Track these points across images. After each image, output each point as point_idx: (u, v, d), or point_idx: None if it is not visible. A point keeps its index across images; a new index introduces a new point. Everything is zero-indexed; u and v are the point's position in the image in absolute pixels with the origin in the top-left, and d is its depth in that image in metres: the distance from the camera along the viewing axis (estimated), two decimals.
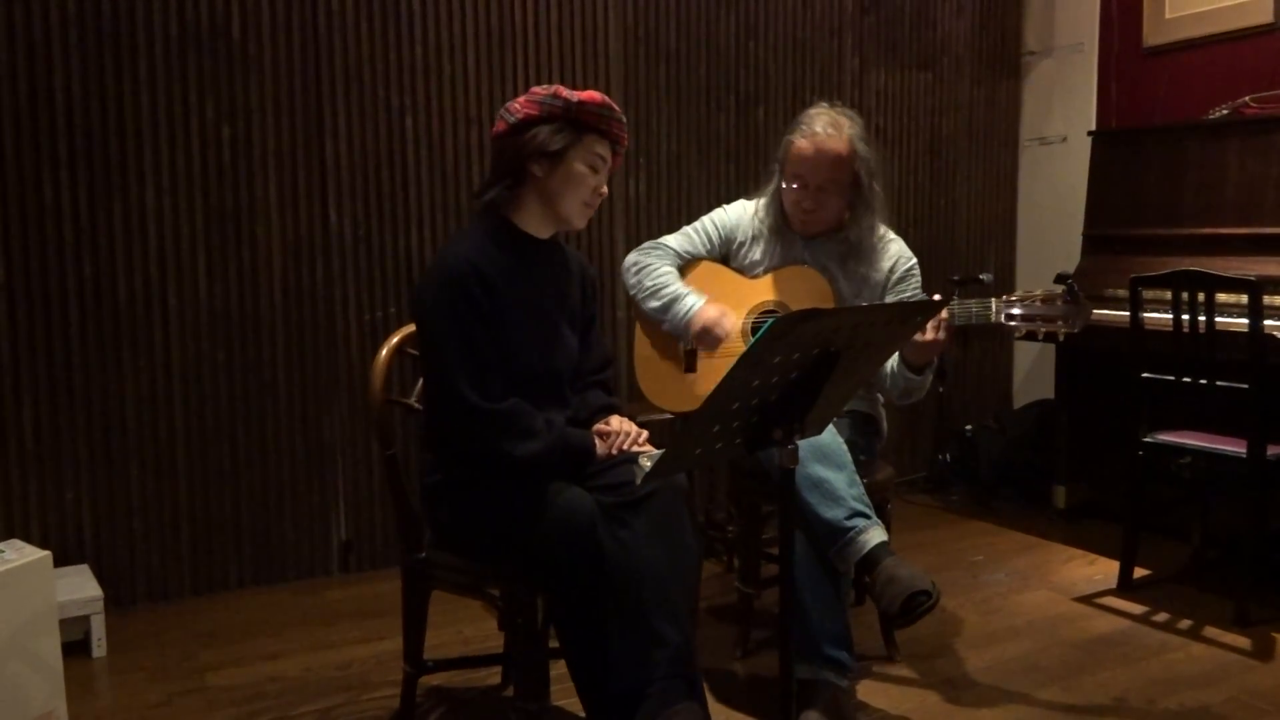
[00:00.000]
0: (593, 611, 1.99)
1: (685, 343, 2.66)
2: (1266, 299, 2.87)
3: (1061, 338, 2.24)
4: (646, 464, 2.03)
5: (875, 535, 2.26)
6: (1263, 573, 3.01)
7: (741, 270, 2.72)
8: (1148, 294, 3.04)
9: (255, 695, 2.56)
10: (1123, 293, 3.15)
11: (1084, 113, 4.24)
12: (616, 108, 2.11)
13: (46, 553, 2.31)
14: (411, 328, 2.26)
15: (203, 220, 3.15)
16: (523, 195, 2.11)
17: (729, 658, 2.69)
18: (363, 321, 3.37)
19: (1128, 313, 3.04)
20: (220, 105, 3.14)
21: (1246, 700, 2.45)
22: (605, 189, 2.15)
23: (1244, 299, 2.88)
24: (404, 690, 2.30)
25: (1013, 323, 2.26)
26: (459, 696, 2.54)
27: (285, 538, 3.33)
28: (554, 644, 2.08)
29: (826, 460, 2.30)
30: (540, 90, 2.07)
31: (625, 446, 2.14)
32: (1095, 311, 2.35)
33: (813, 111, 2.59)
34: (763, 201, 2.71)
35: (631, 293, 2.69)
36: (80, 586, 2.85)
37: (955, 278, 4.25)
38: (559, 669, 2.10)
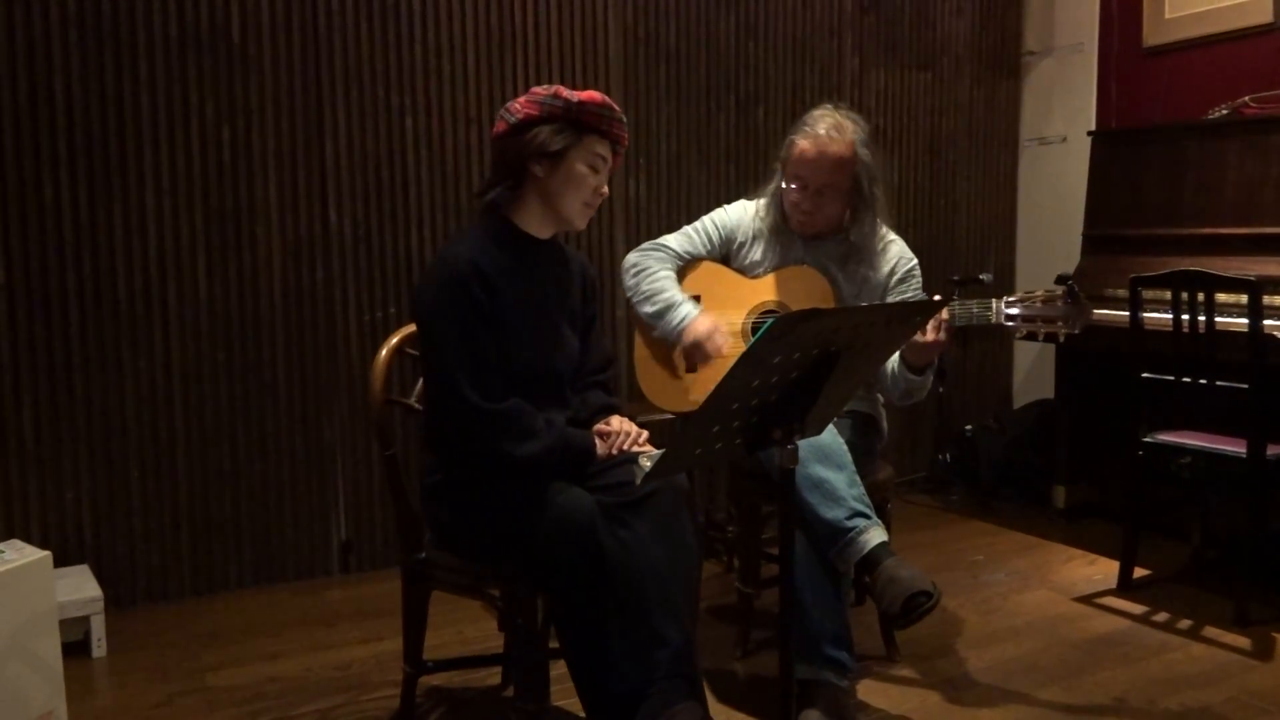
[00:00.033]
0: (593, 611, 1.99)
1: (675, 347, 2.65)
2: (1266, 299, 2.87)
3: (1062, 338, 2.24)
4: (646, 464, 2.03)
5: (876, 535, 2.26)
6: (1262, 573, 3.01)
7: (742, 270, 2.72)
8: (1147, 294, 3.04)
9: (255, 695, 2.56)
10: (1122, 293, 3.15)
11: (1084, 113, 4.24)
12: (617, 108, 2.11)
13: (46, 553, 2.31)
14: (411, 328, 2.26)
15: (203, 220, 3.15)
16: (524, 195, 2.11)
17: (729, 658, 2.69)
18: (363, 322, 3.37)
19: (1127, 313, 3.04)
20: (220, 105, 3.14)
21: (1246, 700, 2.45)
22: (606, 189, 2.15)
23: (1244, 299, 2.88)
24: (404, 690, 2.30)
25: (1013, 323, 2.26)
26: (459, 697, 2.54)
27: (285, 538, 3.34)
28: (554, 644, 2.08)
29: (827, 460, 2.30)
30: (540, 90, 2.07)
31: (625, 447, 2.14)
32: (1095, 311, 2.35)
33: (818, 113, 2.58)
34: (763, 201, 2.71)
35: (628, 294, 2.69)
36: (80, 587, 2.85)
37: (955, 278, 4.26)
38: (559, 669, 2.10)
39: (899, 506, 3.97)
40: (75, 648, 2.73)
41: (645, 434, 2.20)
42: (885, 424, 2.73)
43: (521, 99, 2.08)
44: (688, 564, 2.06)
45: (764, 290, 2.66)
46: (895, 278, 2.63)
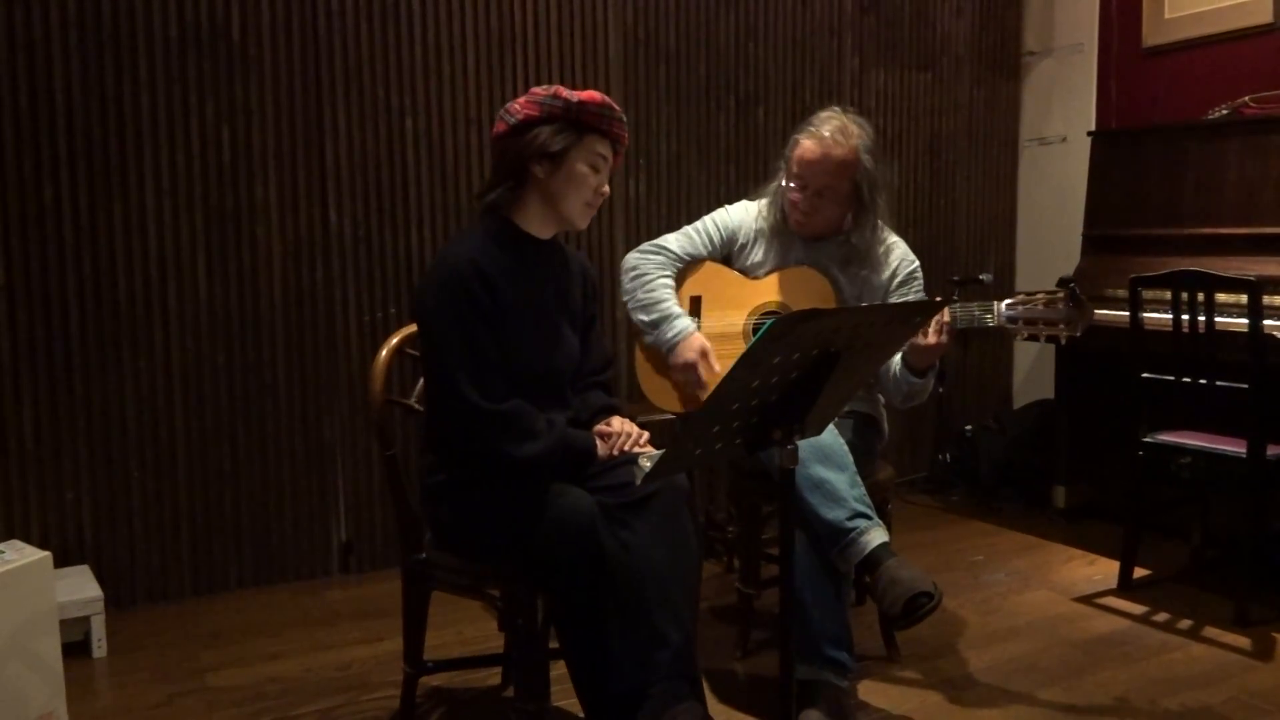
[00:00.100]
0: (593, 612, 1.99)
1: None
2: (1266, 299, 2.87)
3: (1063, 341, 2.24)
4: (646, 464, 2.03)
5: (877, 536, 2.26)
6: (1263, 573, 3.01)
7: (744, 271, 2.72)
8: (1147, 294, 3.04)
9: (255, 696, 2.56)
10: (1122, 293, 3.15)
11: (1083, 113, 4.24)
12: (617, 107, 2.11)
13: (46, 553, 2.31)
14: (411, 328, 2.26)
15: (203, 221, 3.15)
16: (524, 196, 2.11)
17: (729, 658, 2.69)
18: (363, 322, 3.37)
19: (1127, 313, 3.04)
20: (220, 106, 3.14)
21: (1247, 700, 2.45)
22: (607, 188, 2.15)
23: (1244, 299, 2.88)
24: (404, 691, 2.30)
25: (1014, 326, 2.26)
26: (459, 697, 2.54)
27: (285, 538, 3.34)
28: (554, 644, 2.08)
29: (828, 461, 2.30)
30: (540, 91, 2.07)
31: (626, 448, 2.14)
32: (1095, 312, 2.34)
33: (825, 114, 2.58)
34: (765, 201, 2.71)
35: (624, 298, 2.68)
36: (80, 587, 2.85)
37: (955, 278, 4.26)
38: (559, 669, 2.10)
39: (899, 507, 3.97)
40: (75, 648, 2.73)
41: (646, 435, 2.20)
42: (886, 424, 2.73)
43: (521, 99, 2.08)
44: (688, 564, 2.06)
45: (765, 291, 2.66)
46: (897, 280, 2.62)
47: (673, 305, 2.62)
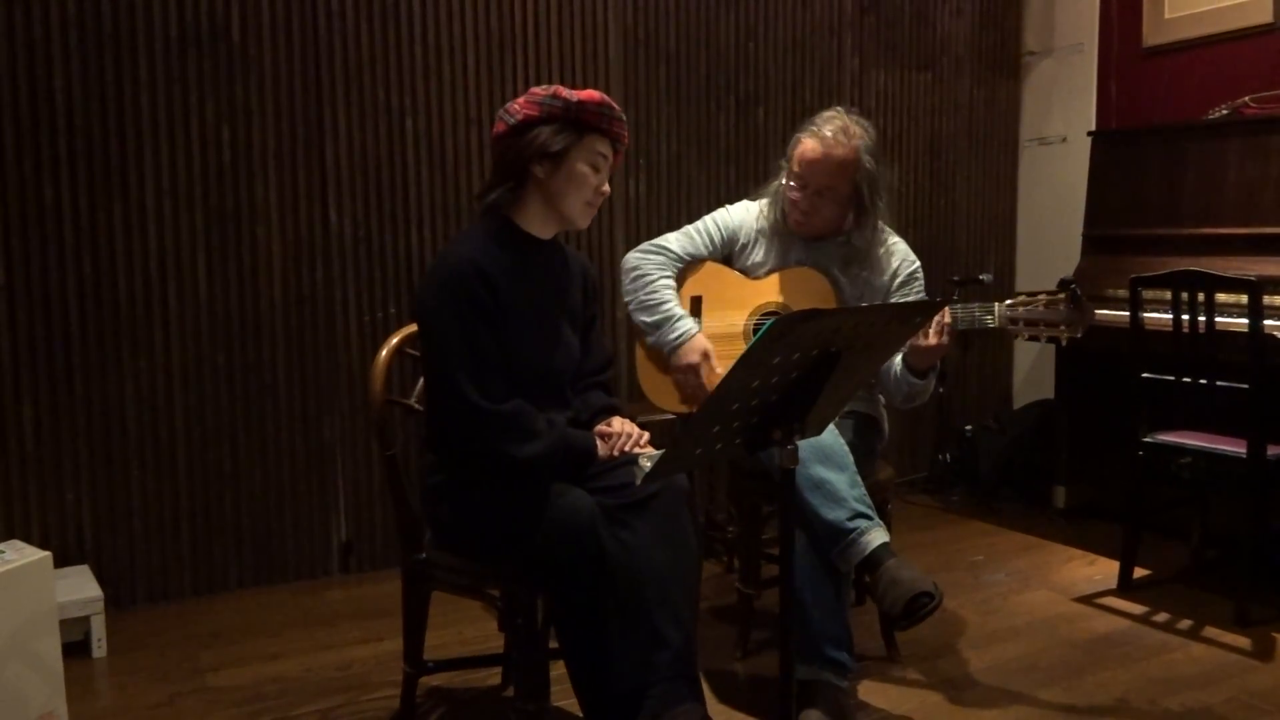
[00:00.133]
0: (593, 612, 1.99)
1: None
2: (1266, 299, 2.87)
3: (1064, 342, 2.24)
4: (647, 464, 2.03)
5: (877, 536, 2.26)
6: (1263, 573, 3.01)
7: (745, 271, 2.71)
8: (1148, 294, 3.04)
9: (255, 696, 2.56)
10: (1122, 293, 3.15)
11: (1083, 113, 4.24)
12: (616, 106, 2.11)
13: (47, 553, 2.31)
14: (412, 328, 2.26)
15: (203, 221, 3.15)
16: (525, 196, 2.11)
17: (729, 658, 2.69)
18: (363, 322, 3.37)
19: (1128, 313, 3.04)
20: (220, 106, 3.14)
21: (1247, 700, 2.45)
22: (607, 187, 2.14)
23: (1244, 299, 2.88)
24: (404, 691, 2.30)
25: (1015, 326, 2.26)
26: (459, 697, 2.54)
27: (285, 538, 3.34)
28: (554, 644, 2.08)
29: (828, 461, 2.30)
30: (539, 91, 2.07)
31: (627, 448, 2.14)
32: (1096, 312, 2.34)
33: (827, 114, 2.57)
34: (766, 201, 2.71)
35: (626, 298, 2.68)
36: (80, 587, 2.85)
37: (955, 278, 4.26)
38: (559, 669, 2.10)
39: (899, 507, 3.97)
40: (75, 648, 2.74)
41: (646, 435, 2.20)
42: (886, 425, 2.73)
43: (520, 100, 2.08)
44: (688, 565, 2.06)
45: (766, 291, 2.66)
46: (898, 280, 2.62)
47: (675, 306, 2.61)
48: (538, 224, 2.14)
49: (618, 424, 2.19)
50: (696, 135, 3.82)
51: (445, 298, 2.00)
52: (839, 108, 2.62)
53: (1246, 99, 3.59)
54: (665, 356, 2.61)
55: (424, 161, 3.40)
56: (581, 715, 2.06)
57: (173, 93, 3.08)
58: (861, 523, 2.26)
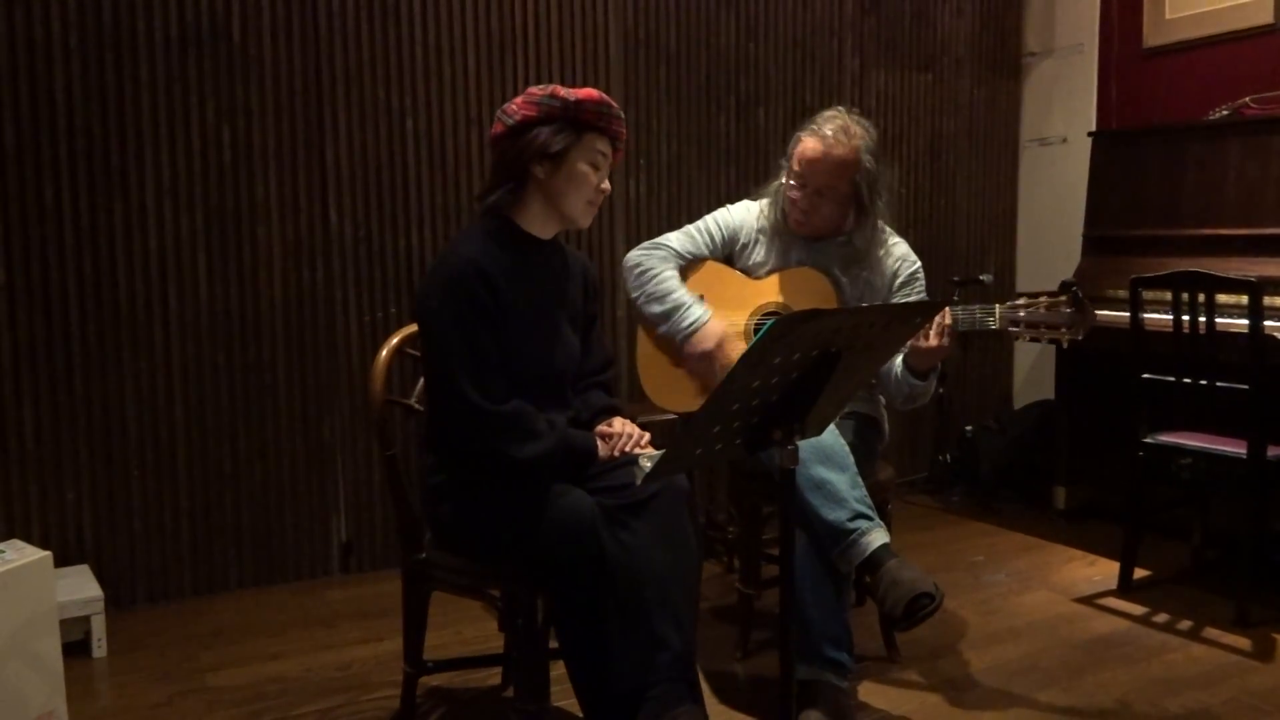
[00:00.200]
0: (593, 613, 1.99)
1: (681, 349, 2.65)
2: (1266, 300, 2.87)
3: (1065, 344, 2.24)
4: (647, 465, 2.03)
5: (878, 537, 2.26)
6: (1263, 573, 3.01)
7: (745, 271, 2.71)
8: (1148, 295, 3.04)
9: (256, 696, 2.56)
10: (1123, 293, 3.15)
11: (1084, 113, 4.24)
12: (615, 104, 2.10)
13: (47, 553, 2.31)
14: (412, 328, 2.26)
15: (203, 221, 3.15)
16: (525, 197, 2.11)
17: (729, 659, 2.69)
18: (363, 322, 3.37)
19: (1128, 313, 3.04)
20: (221, 106, 3.14)
21: (1247, 701, 2.45)
22: (608, 185, 2.14)
23: (1244, 300, 2.88)
24: (404, 691, 2.30)
25: (1016, 328, 2.26)
26: (459, 697, 2.54)
27: (286, 538, 3.34)
28: (554, 644, 2.08)
29: (829, 461, 2.30)
30: (537, 91, 2.06)
31: (627, 448, 2.14)
32: (1096, 313, 2.34)
33: (828, 113, 2.57)
34: (767, 201, 2.71)
35: (632, 294, 2.68)
36: (80, 587, 2.85)
37: (955, 278, 4.26)
38: (559, 669, 2.10)
39: (899, 507, 3.97)
40: (75, 648, 2.73)
41: (647, 436, 2.20)
42: (887, 425, 2.73)
43: (519, 100, 2.07)
44: (688, 565, 2.06)
45: (767, 291, 2.66)
46: (898, 281, 2.62)
47: (684, 294, 2.61)
48: (538, 224, 2.14)
49: (618, 424, 2.19)
50: (697, 136, 3.82)
51: (446, 298, 2.00)
52: (839, 107, 2.61)
53: (1247, 99, 3.59)
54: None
55: (424, 161, 3.40)
56: (581, 715, 2.06)
57: (173, 93, 3.08)
58: (862, 523, 2.26)
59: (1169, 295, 2.94)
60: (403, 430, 3.21)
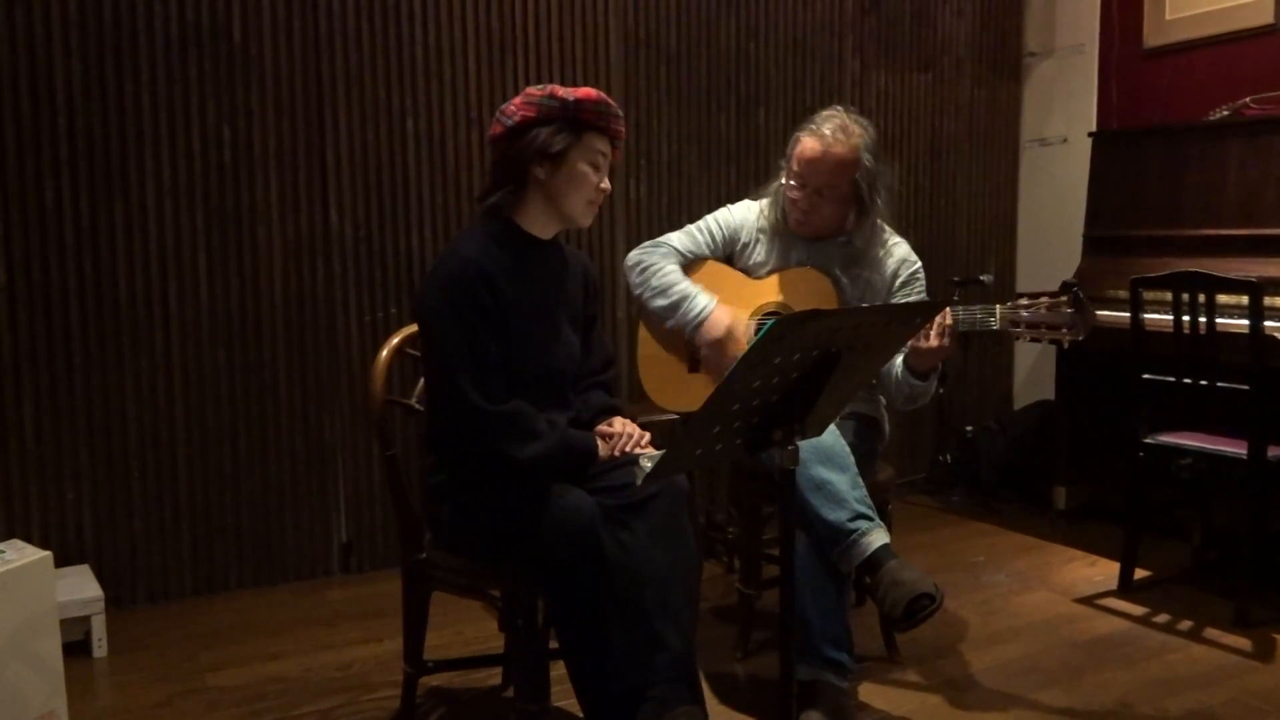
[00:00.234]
0: (593, 613, 1.99)
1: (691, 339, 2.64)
2: (1267, 300, 2.87)
3: (1066, 345, 2.23)
4: (647, 465, 2.03)
5: (878, 538, 2.26)
6: (1263, 574, 3.01)
7: (746, 271, 2.71)
8: (1148, 295, 3.04)
9: (256, 696, 2.56)
10: (1123, 294, 3.15)
11: (1084, 114, 4.24)
12: (613, 103, 2.10)
13: (47, 553, 2.31)
14: (412, 328, 2.26)
15: (204, 221, 3.15)
16: (526, 197, 2.11)
17: (729, 659, 2.69)
18: (363, 322, 3.37)
19: (1128, 314, 3.04)
20: (221, 106, 3.14)
21: (1247, 701, 2.45)
22: (608, 184, 2.14)
23: (1244, 300, 2.88)
24: (404, 691, 2.30)
25: (1017, 329, 2.26)
26: (459, 697, 2.54)
27: (286, 538, 3.34)
28: (554, 644, 2.08)
29: (829, 462, 2.30)
30: (535, 91, 2.06)
31: (628, 448, 2.14)
32: (1097, 314, 2.34)
33: (826, 113, 2.57)
34: (767, 201, 2.71)
35: (636, 291, 2.68)
36: (81, 587, 2.85)
37: (956, 279, 4.26)
38: (559, 669, 2.10)
39: (899, 507, 3.97)
40: (76, 648, 2.73)
41: (647, 435, 2.20)
42: (887, 425, 2.73)
43: (517, 100, 2.07)
44: (688, 566, 2.06)
45: (767, 291, 2.66)
46: (899, 281, 2.62)
47: (688, 285, 2.61)
48: (539, 224, 2.13)
49: (619, 424, 2.19)
50: (697, 136, 3.82)
51: (446, 298, 2.00)
52: (838, 106, 2.61)
53: (1247, 100, 3.59)
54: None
55: (425, 162, 3.40)
56: (581, 715, 2.06)
57: (174, 93, 3.08)
58: (862, 524, 2.26)
59: (1169, 295, 2.94)
60: (403, 430, 3.21)
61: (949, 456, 4.30)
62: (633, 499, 2.02)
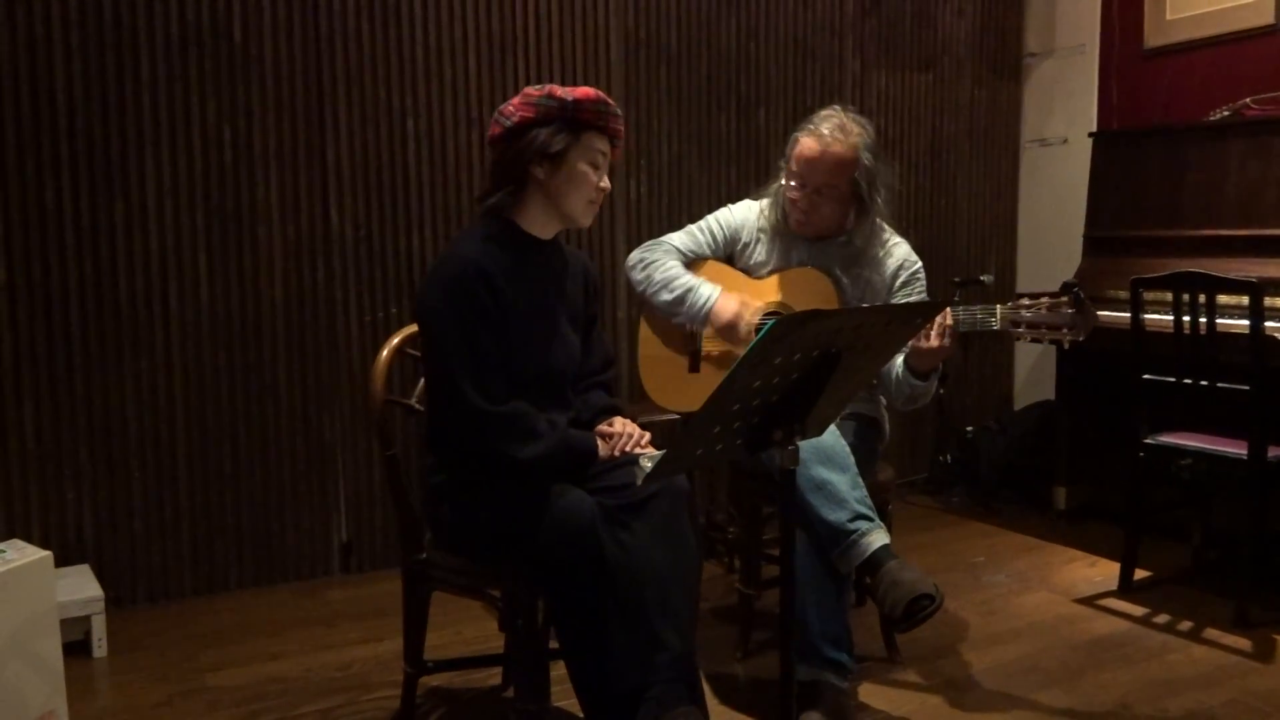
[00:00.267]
0: (593, 612, 1.99)
1: (700, 330, 2.64)
2: (1267, 300, 2.87)
3: (1067, 345, 2.23)
4: (647, 465, 2.03)
5: (878, 538, 2.26)
6: (1263, 574, 3.01)
7: (747, 270, 2.72)
8: (1148, 295, 3.04)
9: (256, 696, 2.56)
10: (1123, 294, 3.15)
11: (1085, 114, 4.24)
12: (611, 102, 2.10)
13: (47, 553, 2.31)
14: (412, 328, 2.26)
15: (204, 221, 3.15)
16: (526, 198, 2.11)
17: (729, 659, 2.69)
18: (364, 322, 3.37)
19: (1129, 314, 3.04)
20: (221, 106, 3.14)
21: (1247, 702, 2.45)
22: (608, 183, 2.14)
23: (1245, 300, 2.88)
24: (404, 691, 2.30)
25: (1018, 329, 2.26)
26: (459, 697, 2.54)
27: (286, 538, 3.34)
28: (554, 644, 2.08)
29: (829, 462, 2.30)
30: (534, 91, 2.06)
31: (628, 448, 2.14)
32: (1097, 314, 2.34)
33: (825, 112, 2.57)
34: (767, 201, 2.71)
35: (640, 288, 2.68)
36: (81, 587, 2.85)
37: (956, 279, 4.26)
38: (559, 669, 2.10)
39: (899, 507, 3.97)
40: (76, 648, 2.73)
41: (648, 436, 2.20)
42: (887, 425, 2.73)
43: (515, 100, 2.07)
44: (688, 566, 2.05)
45: (768, 291, 2.66)
46: (899, 281, 2.62)
47: (690, 278, 2.61)
48: (539, 224, 2.13)
49: (619, 424, 2.19)
50: (698, 136, 3.82)
51: (446, 299, 1.99)
52: (836, 106, 2.61)
53: (1248, 100, 3.59)
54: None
55: (425, 162, 3.40)
56: (581, 715, 2.06)
57: (174, 92, 3.08)
58: (862, 524, 2.26)
59: (1169, 296, 2.94)
60: (403, 430, 3.21)
61: (949, 457, 4.30)
62: (633, 499, 2.02)
